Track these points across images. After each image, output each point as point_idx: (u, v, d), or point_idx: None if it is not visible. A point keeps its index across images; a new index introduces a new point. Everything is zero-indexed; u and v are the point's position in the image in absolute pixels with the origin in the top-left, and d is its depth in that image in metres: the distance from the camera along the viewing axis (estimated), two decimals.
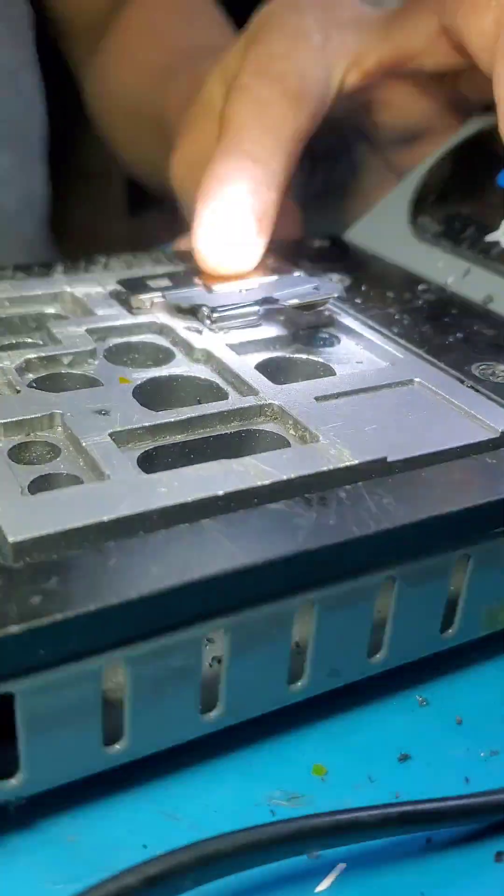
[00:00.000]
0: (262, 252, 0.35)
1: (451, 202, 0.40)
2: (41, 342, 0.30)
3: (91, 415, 0.25)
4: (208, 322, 0.31)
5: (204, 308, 0.31)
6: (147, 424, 0.25)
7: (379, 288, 0.36)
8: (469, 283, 0.36)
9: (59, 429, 0.25)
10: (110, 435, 0.24)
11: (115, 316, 0.31)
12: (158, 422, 0.25)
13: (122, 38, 0.60)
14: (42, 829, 0.20)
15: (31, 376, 0.27)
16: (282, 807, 0.21)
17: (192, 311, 0.31)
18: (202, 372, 0.28)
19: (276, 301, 0.32)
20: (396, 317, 0.33)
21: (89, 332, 0.29)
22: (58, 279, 0.33)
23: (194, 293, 0.32)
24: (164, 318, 0.31)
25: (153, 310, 0.32)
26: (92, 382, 0.27)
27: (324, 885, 0.20)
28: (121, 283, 0.33)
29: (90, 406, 0.25)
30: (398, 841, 0.21)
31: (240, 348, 0.30)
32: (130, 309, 0.32)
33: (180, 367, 0.29)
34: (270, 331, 0.31)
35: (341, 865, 0.20)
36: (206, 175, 0.35)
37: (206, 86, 0.43)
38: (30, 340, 0.30)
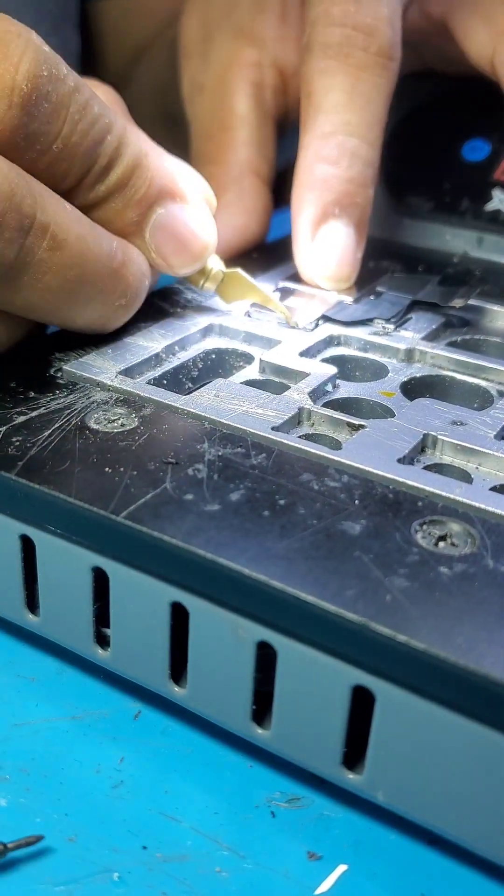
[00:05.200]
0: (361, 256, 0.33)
1: (421, 177, 0.41)
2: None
3: (450, 426, 0.26)
4: (383, 330, 0.31)
5: (377, 320, 0.32)
6: None
7: (419, 271, 0.37)
8: (486, 249, 0.38)
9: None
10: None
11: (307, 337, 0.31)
12: None
13: None
14: (42, 829, 0.20)
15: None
16: (281, 808, 0.21)
17: (360, 324, 0.32)
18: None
19: (421, 303, 0.33)
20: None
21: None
22: None
23: (348, 308, 0.33)
24: (332, 330, 0.32)
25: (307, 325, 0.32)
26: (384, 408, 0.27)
27: (325, 886, 0.20)
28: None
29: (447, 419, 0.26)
30: (400, 841, 0.21)
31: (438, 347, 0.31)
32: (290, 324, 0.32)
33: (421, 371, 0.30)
34: (435, 326, 0.32)
35: (342, 867, 0.20)
36: (301, 165, 0.32)
37: (215, 4, 0.39)
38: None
